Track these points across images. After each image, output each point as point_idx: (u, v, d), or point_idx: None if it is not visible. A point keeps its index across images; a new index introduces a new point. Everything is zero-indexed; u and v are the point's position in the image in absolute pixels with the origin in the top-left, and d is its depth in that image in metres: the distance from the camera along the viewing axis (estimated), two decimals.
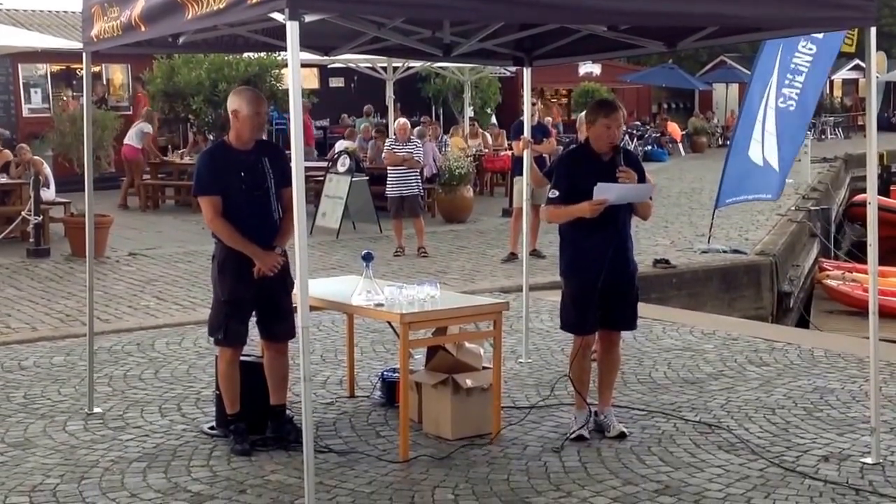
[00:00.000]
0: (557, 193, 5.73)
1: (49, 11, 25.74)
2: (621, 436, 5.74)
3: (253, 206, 5.51)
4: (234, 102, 5.54)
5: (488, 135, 21.42)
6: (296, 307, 5.00)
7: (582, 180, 5.61)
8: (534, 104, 12.49)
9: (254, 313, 5.67)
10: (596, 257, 5.64)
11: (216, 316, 5.63)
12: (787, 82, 12.54)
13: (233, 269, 5.52)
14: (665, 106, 37.87)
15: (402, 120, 13.63)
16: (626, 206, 5.72)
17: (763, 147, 12.66)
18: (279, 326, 5.66)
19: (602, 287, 5.65)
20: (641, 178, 5.79)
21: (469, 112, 23.04)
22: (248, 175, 5.51)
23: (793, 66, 12.50)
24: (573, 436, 5.70)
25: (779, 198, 13.87)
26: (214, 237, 5.63)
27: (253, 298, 5.57)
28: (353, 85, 26.47)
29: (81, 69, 22.16)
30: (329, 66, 22.49)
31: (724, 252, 12.53)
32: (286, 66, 18.59)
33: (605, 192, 5.54)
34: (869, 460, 5.32)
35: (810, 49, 12.45)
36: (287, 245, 5.50)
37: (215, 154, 5.70)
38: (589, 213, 5.55)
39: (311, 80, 25.22)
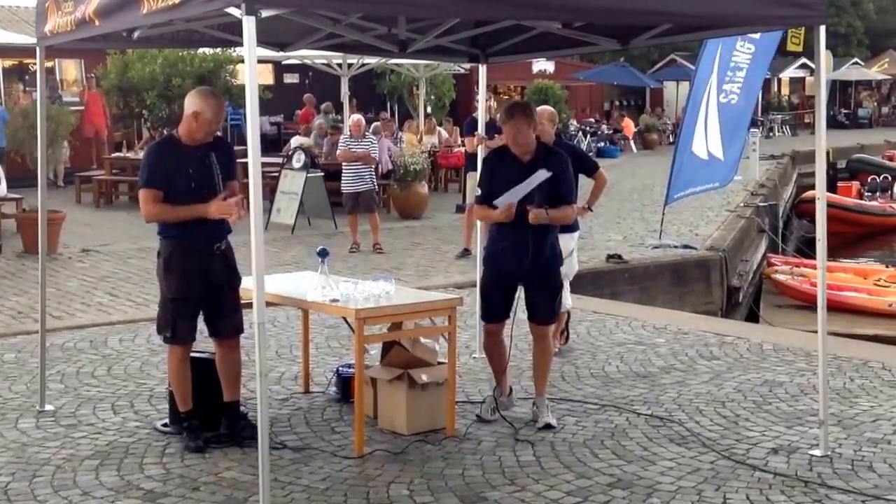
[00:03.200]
0: (480, 192, 6.05)
1: (1, 6, 25.36)
2: (548, 427, 5.84)
3: (200, 203, 5.45)
4: (197, 104, 5.46)
5: (444, 131, 21.45)
6: (249, 303, 5.01)
7: (498, 181, 5.89)
8: (487, 100, 12.52)
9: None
10: (507, 250, 5.93)
11: (164, 314, 5.59)
12: (727, 78, 12.76)
13: (179, 266, 5.50)
14: (617, 103, 38.20)
15: (357, 116, 13.61)
16: (543, 198, 5.83)
17: (707, 141, 12.87)
18: (225, 322, 5.64)
19: (517, 280, 5.98)
20: (567, 169, 5.95)
21: (424, 109, 23.04)
22: (196, 172, 5.48)
23: (732, 63, 12.74)
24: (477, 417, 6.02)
25: (726, 185, 14.09)
26: (160, 234, 5.59)
27: (200, 295, 5.54)
28: (307, 81, 26.37)
29: (34, 64, 21.85)
30: (283, 62, 22.38)
31: (675, 247, 12.67)
32: (241, 61, 18.42)
33: (509, 198, 5.79)
34: (817, 452, 5.42)
35: (749, 48, 12.72)
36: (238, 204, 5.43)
37: (164, 149, 5.62)
38: (504, 218, 5.82)
39: (266, 75, 25.08)
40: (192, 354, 5.71)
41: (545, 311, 6.05)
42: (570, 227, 7.48)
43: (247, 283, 5.63)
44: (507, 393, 6.22)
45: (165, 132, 17.33)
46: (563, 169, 5.94)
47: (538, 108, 7.51)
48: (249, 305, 4.83)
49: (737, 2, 5.17)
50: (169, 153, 5.55)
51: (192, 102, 5.49)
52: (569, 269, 7.59)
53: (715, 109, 12.73)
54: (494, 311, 6.06)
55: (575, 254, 7.74)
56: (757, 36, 12.14)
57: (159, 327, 5.65)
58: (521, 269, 5.92)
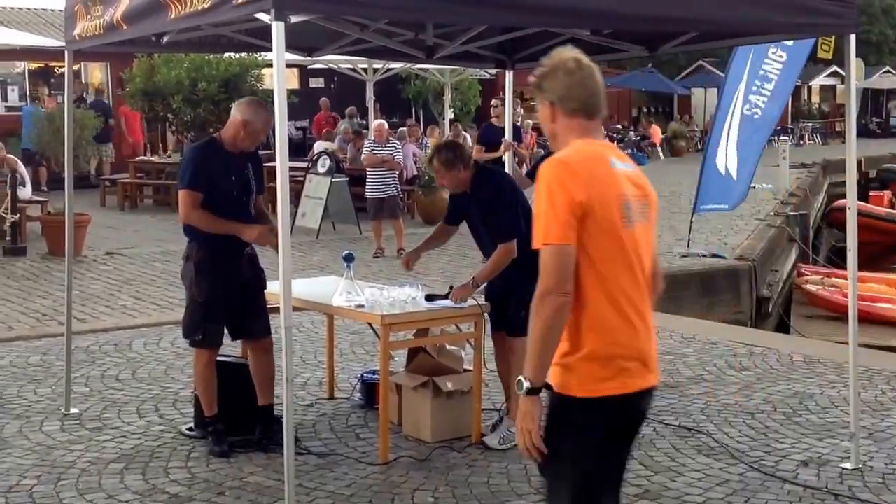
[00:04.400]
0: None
1: (28, 9, 25.54)
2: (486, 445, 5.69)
3: (238, 211, 5.48)
4: (248, 114, 5.48)
5: (469, 137, 21.43)
6: (275, 307, 4.99)
7: (455, 201, 6.00)
8: (495, 107, 12.49)
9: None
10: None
11: (192, 317, 5.57)
12: (755, 89, 12.61)
13: (210, 269, 5.48)
14: (644, 110, 38.03)
15: (380, 121, 13.62)
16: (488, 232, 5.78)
17: (726, 155, 12.73)
18: (259, 323, 5.63)
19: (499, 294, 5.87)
20: (498, 199, 5.73)
21: (449, 114, 23.03)
22: (238, 180, 5.51)
23: (762, 72, 12.58)
24: None
25: (734, 209, 13.77)
26: (189, 236, 5.57)
27: (230, 298, 5.54)
28: (332, 86, 26.42)
29: (59, 67, 22.07)
30: (309, 67, 22.44)
31: (704, 256, 12.57)
32: (266, 66, 18.49)
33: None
34: (848, 465, 5.34)
35: (780, 56, 12.53)
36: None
37: (207, 151, 5.59)
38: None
39: (292, 80, 25.16)
40: (219, 359, 5.70)
41: (512, 322, 5.73)
42: None
43: (272, 288, 5.62)
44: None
45: (191, 136, 17.53)
46: (493, 199, 5.68)
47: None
48: (275, 310, 4.81)
49: (766, 10, 5.09)
50: (213, 156, 5.53)
51: (243, 111, 5.50)
52: None
53: (738, 121, 12.58)
54: (491, 319, 5.89)
55: None
56: (790, 43, 11.99)
57: (187, 331, 5.63)
58: (495, 285, 5.83)
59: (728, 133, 12.58)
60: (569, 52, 3.21)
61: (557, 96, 3.18)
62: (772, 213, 16.86)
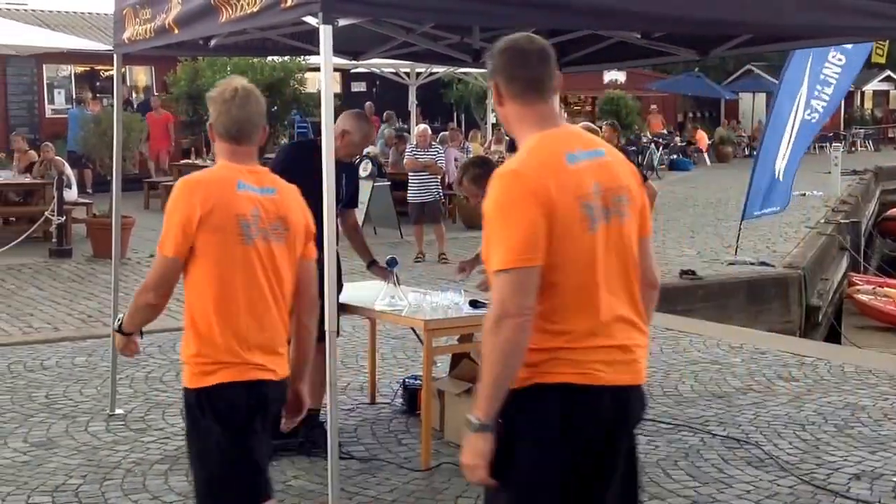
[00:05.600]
0: None
1: (74, 12, 25.85)
2: None
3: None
4: (348, 124, 5.51)
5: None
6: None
7: None
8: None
9: None
10: None
11: None
12: (816, 94, 12.41)
13: None
14: (690, 115, 37.70)
15: (423, 126, 13.61)
16: None
17: (785, 159, 12.57)
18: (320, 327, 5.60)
19: None
20: None
21: (491, 118, 22.98)
22: (337, 186, 5.41)
23: (822, 76, 12.37)
24: None
25: (785, 209, 13.68)
26: None
27: None
28: (374, 89, 26.48)
29: (105, 71, 22.31)
30: (351, 71, 22.49)
31: (752, 264, 12.41)
32: (310, 69, 18.55)
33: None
34: None
35: (840, 59, 12.31)
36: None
37: (302, 151, 5.53)
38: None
39: (334, 84, 25.24)
40: None
41: None
42: None
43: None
44: None
45: None
46: None
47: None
48: None
49: (823, 13, 4.97)
50: (305, 157, 5.40)
51: (343, 121, 5.52)
52: None
53: (798, 125, 12.41)
54: None
55: None
56: (849, 46, 11.80)
57: None
58: None
59: (790, 138, 12.40)
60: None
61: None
62: (822, 221, 16.60)
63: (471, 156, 18.21)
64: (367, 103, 23.19)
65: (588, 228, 2.76)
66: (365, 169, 14.88)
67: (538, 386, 2.75)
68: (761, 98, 35.78)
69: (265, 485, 3.55)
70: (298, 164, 5.40)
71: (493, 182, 2.78)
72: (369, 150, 17.65)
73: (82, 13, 25.81)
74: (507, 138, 17.44)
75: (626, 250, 2.86)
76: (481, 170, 5.57)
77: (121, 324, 3.67)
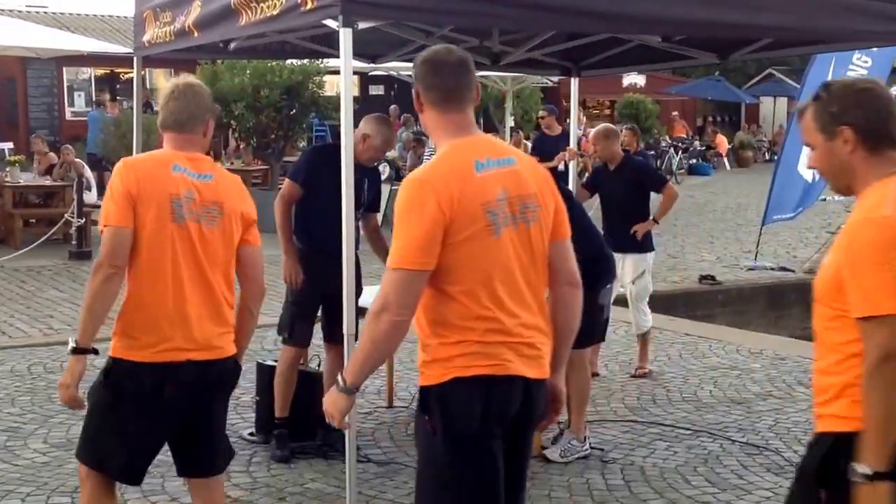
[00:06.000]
0: None
1: (94, 15, 26.00)
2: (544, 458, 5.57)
3: (340, 219, 5.12)
4: (370, 128, 5.52)
5: (529, 144, 21.34)
6: None
7: None
8: (542, 118, 12.43)
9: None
10: None
11: (284, 315, 5.70)
12: None
13: (305, 270, 5.52)
14: (710, 119, 37.50)
15: None
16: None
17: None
18: (340, 328, 5.60)
19: None
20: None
21: (510, 122, 22.96)
22: (356, 189, 5.23)
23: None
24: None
25: (799, 215, 13.56)
26: (295, 234, 5.62)
27: (320, 299, 5.58)
28: (392, 93, 26.51)
29: (124, 73, 22.37)
30: (370, 74, 22.52)
31: (772, 269, 12.34)
32: (328, 73, 18.44)
33: None
34: None
35: (865, 62, 12.20)
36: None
37: (326, 154, 5.55)
38: None
39: (353, 87, 25.26)
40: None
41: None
42: (644, 247, 7.33)
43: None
44: (581, 437, 5.71)
45: (253, 142, 17.68)
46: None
47: (592, 132, 7.45)
48: None
49: (847, 17, 4.94)
50: (327, 160, 5.42)
51: (364, 125, 5.54)
52: (641, 289, 7.40)
53: None
54: None
55: (648, 274, 7.51)
56: (875, 48, 11.70)
57: (279, 327, 5.78)
58: None
59: None
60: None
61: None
62: (843, 226, 16.47)
63: None
64: (392, 107, 23.21)
65: (492, 233, 2.90)
66: (383, 172, 14.91)
67: (457, 379, 2.91)
68: (782, 102, 35.54)
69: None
70: (320, 170, 5.41)
71: (401, 187, 2.96)
72: (387, 153, 17.70)
73: (102, 16, 25.94)
74: (525, 143, 17.43)
75: (533, 254, 3.00)
76: None
77: (75, 342, 3.69)
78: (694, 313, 10.19)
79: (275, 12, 4.47)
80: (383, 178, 14.43)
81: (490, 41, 6.57)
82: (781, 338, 9.53)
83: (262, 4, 4.54)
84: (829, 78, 12.04)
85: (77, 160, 14.56)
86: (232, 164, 18.29)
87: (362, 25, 4.23)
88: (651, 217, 7.34)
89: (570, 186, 7.76)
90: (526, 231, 2.98)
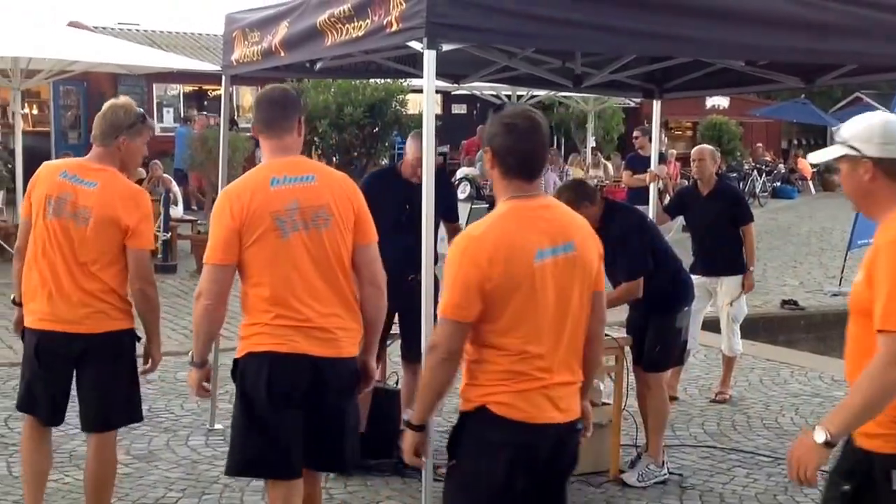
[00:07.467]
0: None
1: (184, 33, 26.59)
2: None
3: (402, 237, 5.20)
4: (406, 146, 5.83)
5: (610, 165, 21.22)
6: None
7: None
8: (636, 138, 12.36)
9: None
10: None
11: None
12: None
13: None
14: (795, 142, 36.82)
15: None
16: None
17: None
18: (416, 347, 5.62)
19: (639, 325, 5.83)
20: (624, 243, 5.47)
21: (591, 142, 22.86)
22: (412, 208, 5.24)
23: None
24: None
25: None
26: None
27: (391, 320, 5.61)
28: (475, 112, 26.59)
29: (212, 90, 22.79)
30: (452, 93, 22.64)
31: None
32: (411, 91, 18.63)
33: None
34: None
35: None
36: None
37: (379, 177, 5.97)
38: None
39: (435, 106, 25.39)
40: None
41: (647, 357, 5.74)
42: (738, 268, 7.27)
43: None
44: (659, 462, 5.71)
45: (335, 159, 17.89)
46: (619, 238, 5.30)
47: (696, 148, 7.44)
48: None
49: None
50: (386, 183, 5.77)
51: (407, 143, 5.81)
52: (737, 311, 7.35)
53: None
54: (633, 353, 5.82)
55: (743, 296, 7.44)
56: None
57: None
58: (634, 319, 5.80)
59: None
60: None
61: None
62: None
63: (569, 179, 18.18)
64: (480, 127, 23.20)
65: (280, 237, 3.68)
66: (463, 191, 14.96)
67: (251, 354, 3.82)
68: None
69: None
70: (378, 196, 5.45)
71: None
72: (468, 171, 17.74)
73: (192, 34, 26.53)
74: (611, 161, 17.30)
75: (325, 254, 3.74)
76: (573, 192, 5.44)
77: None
78: (775, 338, 10.02)
79: (360, 34, 4.53)
80: (464, 196, 14.60)
81: (573, 63, 6.57)
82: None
83: (347, 26, 4.61)
84: None
85: (165, 175, 14.90)
86: None
87: (447, 47, 4.25)
88: (749, 269, 7.34)
89: (651, 208, 7.69)
90: (318, 235, 3.72)
